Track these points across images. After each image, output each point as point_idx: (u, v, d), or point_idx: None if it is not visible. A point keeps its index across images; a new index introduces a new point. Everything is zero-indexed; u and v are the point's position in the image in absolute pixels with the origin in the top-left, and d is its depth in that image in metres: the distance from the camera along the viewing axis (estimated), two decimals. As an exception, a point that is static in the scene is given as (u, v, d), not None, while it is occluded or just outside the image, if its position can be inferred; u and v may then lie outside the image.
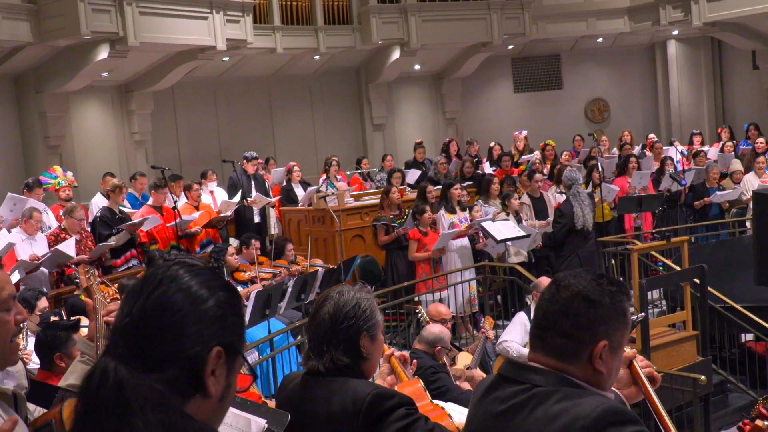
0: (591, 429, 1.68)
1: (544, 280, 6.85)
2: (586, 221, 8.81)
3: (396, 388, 2.90)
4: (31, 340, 4.93)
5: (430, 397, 3.19)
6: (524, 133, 14.18)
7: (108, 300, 2.58)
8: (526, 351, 6.33)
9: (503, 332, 6.89)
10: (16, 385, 2.41)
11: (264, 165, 12.10)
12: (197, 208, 9.70)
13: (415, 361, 3.22)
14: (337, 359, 2.43)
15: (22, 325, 2.10)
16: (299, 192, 11.33)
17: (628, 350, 2.14)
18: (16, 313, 2.01)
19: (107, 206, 8.92)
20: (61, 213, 8.79)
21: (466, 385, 5.42)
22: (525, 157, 13.34)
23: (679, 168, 11.65)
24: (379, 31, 15.38)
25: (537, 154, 13.23)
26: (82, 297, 7.56)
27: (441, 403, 3.36)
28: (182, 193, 10.15)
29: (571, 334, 1.82)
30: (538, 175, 10.31)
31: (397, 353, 3.05)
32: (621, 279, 1.90)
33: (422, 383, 3.19)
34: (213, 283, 1.43)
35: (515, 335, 6.60)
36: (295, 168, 11.70)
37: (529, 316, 6.72)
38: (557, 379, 1.81)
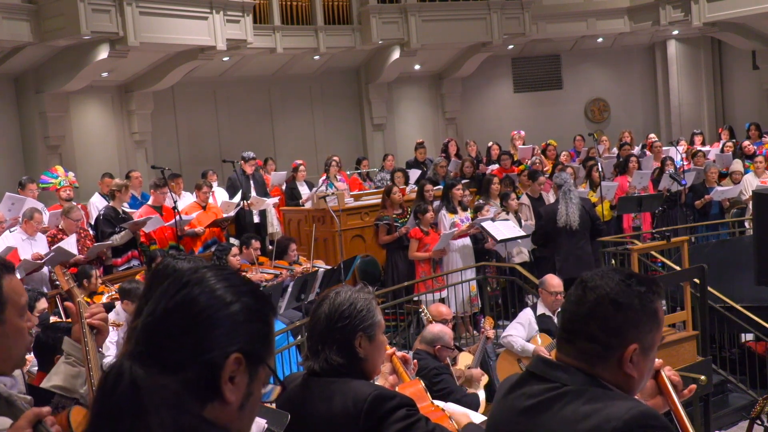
0: (623, 431, 1.65)
1: (550, 278, 6.90)
2: (569, 219, 8.70)
3: (397, 388, 2.90)
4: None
5: (431, 399, 3.19)
6: (522, 132, 14.19)
7: (91, 301, 2.57)
8: (529, 346, 6.47)
9: (508, 327, 6.96)
10: (17, 390, 2.41)
11: (263, 165, 12.09)
12: (204, 208, 9.68)
13: (416, 361, 3.22)
14: (331, 359, 2.43)
15: (32, 332, 2.12)
16: (303, 191, 11.34)
17: (657, 361, 2.09)
18: (26, 320, 2.03)
19: (111, 206, 8.89)
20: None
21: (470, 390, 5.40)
22: (523, 147, 13.32)
23: (679, 164, 11.63)
24: (379, 31, 15.38)
25: (536, 150, 13.20)
26: (84, 298, 7.56)
27: (441, 404, 3.35)
28: (182, 192, 10.15)
29: (600, 338, 1.77)
30: (542, 177, 10.34)
31: (399, 353, 3.05)
32: (652, 276, 1.80)
33: (423, 384, 3.19)
34: (240, 288, 1.41)
35: (520, 330, 6.69)
36: (301, 167, 11.72)
37: (535, 313, 6.81)
38: (587, 379, 1.77)
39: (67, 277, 2.72)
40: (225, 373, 1.34)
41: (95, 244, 8.32)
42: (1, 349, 1.97)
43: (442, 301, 8.40)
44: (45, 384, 2.39)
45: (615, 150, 14.18)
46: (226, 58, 14.04)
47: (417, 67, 16.75)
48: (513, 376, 1.98)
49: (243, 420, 1.40)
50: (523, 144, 13.78)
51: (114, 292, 7.43)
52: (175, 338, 1.34)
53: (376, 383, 2.60)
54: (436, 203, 9.44)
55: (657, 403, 2.04)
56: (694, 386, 2.14)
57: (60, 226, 8.31)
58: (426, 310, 6.21)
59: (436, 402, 3.31)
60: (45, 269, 7.91)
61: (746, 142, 12.79)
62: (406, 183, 11.13)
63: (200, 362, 1.33)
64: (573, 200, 8.75)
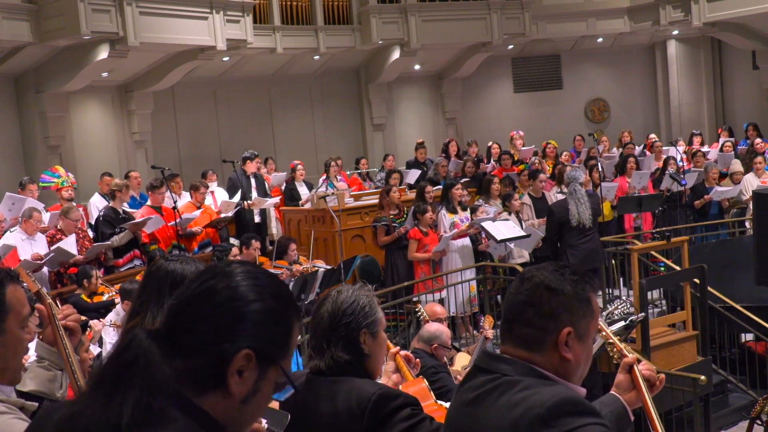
0: (545, 417, 1.70)
1: None
2: (582, 218, 8.75)
3: (401, 387, 2.91)
4: (32, 345, 4.88)
5: (434, 397, 3.20)
6: (521, 132, 14.19)
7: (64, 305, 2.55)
8: None
9: None
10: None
11: (263, 165, 12.08)
12: (199, 208, 9.68)
13: (418, 360, 3.23)
14: (338, 357, 2.45)
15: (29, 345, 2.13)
16: (302, 191, 11.34)
17: (630, 356, 2.19)
18: (26, 332, 2.04)
19: (111, 206, 8.89)
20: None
21: None
22: (524, 149, 13.33)
23: (680, 164, 11.62)
24: (379, 31, 15.38)
25: (539, 153, 13.21)
26: (83, 297, 7.56)
27: (444, 404, 3.36)
28: (182, 192, 10.15)
29: (535, 322, 1.84)
30: (542, 176, 10.34)
31: (402, 352, 3.06)
32: (587, 270, 1.88)
33: (426, 383, 3.20)
34: (267, 289, 1.44)
35: None
36: (299, 167, 11.72)
37: None
38: (524, 369, 1.83)
39: (34, 277, 2.69)
40: (233, 366, 1.37)
41: (94, 245, 8.30)
42: None
43: (440, 301, 8.41)
44: (20, 388, 2.32)
45: (615, 150, 14.18)
46: (226, 58, 14.04)
47: (417, 67, 16.75)
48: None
49: (245, 414, 1.42)
50: (524, 144, 13.78)
51: (114, 292, 7.43)
52: (190, 323, 1.39)
53: (379, 382, 2.61)
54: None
55: (631, 398, 2.14)
56: (663, 376, 2.23)
57: (59, 226, 8.30)
58: (423, 310, 6.21)
59: (439, 401, 3.32)
60: (45, 269, 7.91)
61: (758, 140, 12.70)
62: (401, 184, 11.16)
63: (210, 351, 1.37)
64: (581, 199, 8.78)
